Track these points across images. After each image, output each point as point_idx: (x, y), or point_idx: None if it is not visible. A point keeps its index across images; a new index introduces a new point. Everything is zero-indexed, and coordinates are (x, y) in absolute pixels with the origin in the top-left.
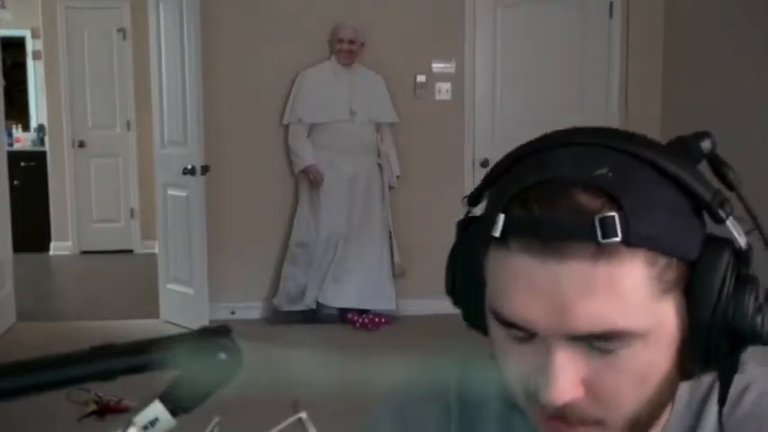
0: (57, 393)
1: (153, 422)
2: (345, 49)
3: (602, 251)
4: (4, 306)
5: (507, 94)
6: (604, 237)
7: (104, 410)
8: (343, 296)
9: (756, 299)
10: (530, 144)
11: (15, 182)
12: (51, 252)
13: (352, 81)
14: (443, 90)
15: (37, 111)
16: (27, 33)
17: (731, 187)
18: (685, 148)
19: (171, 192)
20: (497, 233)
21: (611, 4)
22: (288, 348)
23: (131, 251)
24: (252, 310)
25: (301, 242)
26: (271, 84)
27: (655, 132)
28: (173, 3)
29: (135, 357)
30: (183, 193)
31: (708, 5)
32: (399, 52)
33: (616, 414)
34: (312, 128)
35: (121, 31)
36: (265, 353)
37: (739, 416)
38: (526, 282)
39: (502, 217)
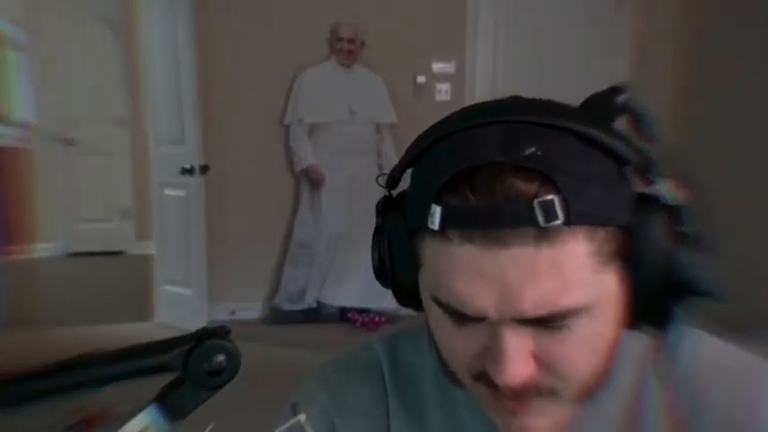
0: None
1: (147, 428)
2: (345, 49)
3: (545, 234)
4: None
5: (508, 94)
6: (546, 221)
7: (92, 420)
8: (343, 295)
9: (691, 253)
10: (448, 122)
11: None
12: (37, 254)
13: (352, 81)
14: (443, 91)
15: (21, 106)
16: (8, 23)
17: (651, 140)
18: (602, 106)
19: (169, 192)
20: (435, 226)
21: None
22: (288, 348)
23: (122, 252)
24: (252, 310)
25: (302, 242)
26: (270, 83)
27: (668, 134)
28: None
29: (129, 362)
30: (182, 193)
31: None
32: (399, 52)
33: (569, 383)
34: (312, 128)
35: (112, 22)
36: (265, 353)
37: (684, 366)
38: (471, 271)
39: (438, 209)
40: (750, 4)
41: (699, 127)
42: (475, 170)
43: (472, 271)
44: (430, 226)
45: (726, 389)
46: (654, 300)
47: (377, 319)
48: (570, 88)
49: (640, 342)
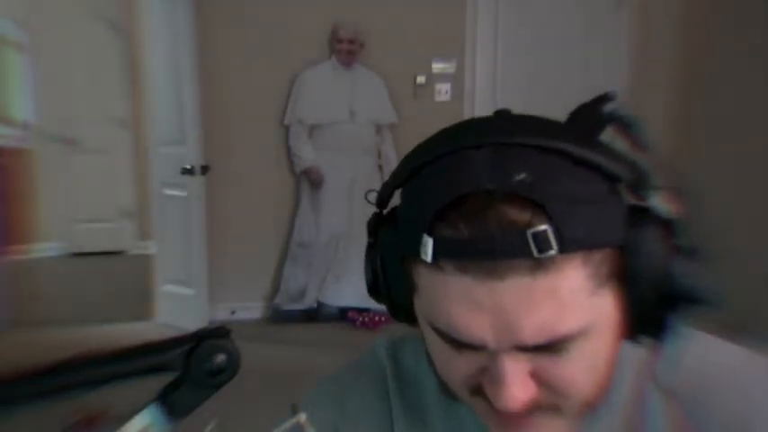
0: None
1: (147, 428)
2: (345, 49)
3: (540, 265)
4: None
5: (508, 94)
6: (540, 251)
7: (92, 420)
8: (343, 295)
9: (686, 265)
10: (438, 142)
11: None
12: (37, 254)
13: (352, 82)
14: (443, 91)
15: (22, 106)
16: (10, 22)
17: (642, 148)
18: (590, 116)
19: (170, 192)
20: (428, 258)
21: None
22: (288, 348)
23: (123, 252)
24: (252, 309)
25: (302, 242)
26: (271, 83)
27: (667, 137)
28: None
29: (129, 362)
30: (183, 193)
31: None
32: (399, 52)
33: (570, 401)
34: (313, 128)
35: (112, 22)
36: (265, 353)
37: (683, 373)
38: (467, 302)
39: (431, 241)
40: (750, 5)
41: (698, 128)
42: (465, 198)
43: (468, 301)
44: (423, 257)
45: (731, 390)
46: (651, 313)
47: (377, 318)
48: (570, 89)
49: (638, 352)
